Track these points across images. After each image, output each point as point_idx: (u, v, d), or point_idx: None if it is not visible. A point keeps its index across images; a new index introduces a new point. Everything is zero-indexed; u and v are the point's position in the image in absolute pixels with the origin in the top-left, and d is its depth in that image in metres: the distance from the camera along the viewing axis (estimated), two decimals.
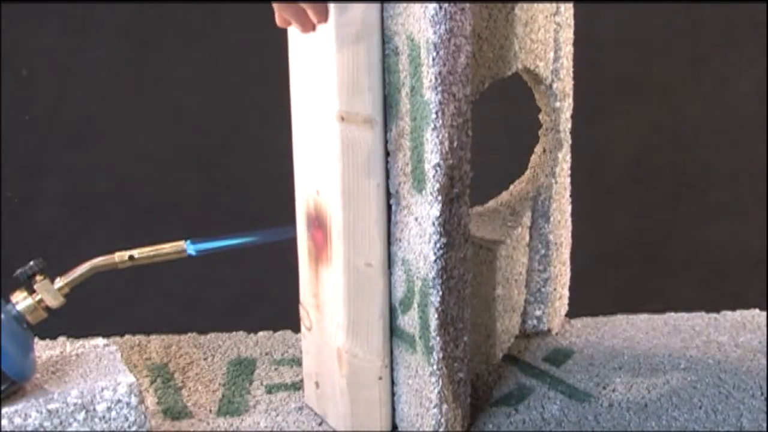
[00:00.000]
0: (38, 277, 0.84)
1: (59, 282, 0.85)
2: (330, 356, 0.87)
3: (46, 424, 0.81)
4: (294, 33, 0.86)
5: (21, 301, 0.84)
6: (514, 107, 1.21)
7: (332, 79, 0.81)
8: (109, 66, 1.46)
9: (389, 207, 0.86)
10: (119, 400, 0.83)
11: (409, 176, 0.83)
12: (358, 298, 0.85)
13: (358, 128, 0.82)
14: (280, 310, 1.03)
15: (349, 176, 0.83)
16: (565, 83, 1.01)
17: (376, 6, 0.81)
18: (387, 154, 0.85)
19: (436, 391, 0.84)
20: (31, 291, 0.84)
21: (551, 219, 1.03)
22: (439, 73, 0.79)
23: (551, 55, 0.99)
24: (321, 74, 0.83)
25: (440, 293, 0.82)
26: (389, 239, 0.86)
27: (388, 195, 0.85)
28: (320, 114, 0.84)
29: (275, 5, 0.81)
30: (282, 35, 0.88)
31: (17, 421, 0.81)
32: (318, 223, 0.86)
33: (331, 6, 0.80)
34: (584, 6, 1.05)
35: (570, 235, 1.07)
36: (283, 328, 1.09)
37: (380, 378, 0.87)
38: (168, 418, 0.92)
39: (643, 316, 1.12)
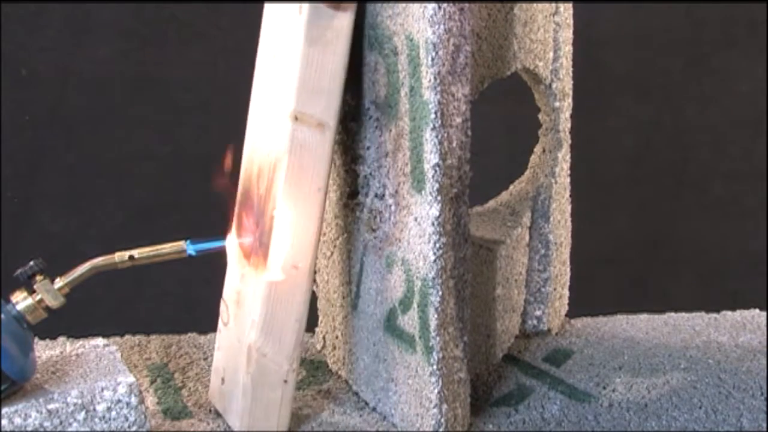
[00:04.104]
0: (38, 277, 0.84)
1: (59, 282, 0.85)
2: (240, 352, 0.87)
3: (46, 424, 0.81)
4: (266, 28, 0.87)
5: (21, 301, 0.84)
6: (514, 107, 1.21)
7: (294, 78, 0.82)
8: (109, 66, 1.46)
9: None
10: (119, 400, 0.83)
11: (409, 176, 0.83)
12: (277, 297, 0.85)
13: (309, 130, 0.83)
14: None
15: (292, 176, 0.83)
16: (565, 83, 1.01)
17: (350, 11, 0.82)
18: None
19: (436, 391, 0.84)
20: (31, 291, 0.84)
21: (551, 219, 1.03)
22: (438, 72, 0.79)
23: (550, 54, 0.99)
24: (284, 71, 0.84)
25: (440, 293, 0.82)
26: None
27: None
28: (276, 111, 0.84)
29: None
30: None
31: (17, 421, 0.81)
32: (255, 218, 0.86)
33: (306, 6, 0.80)
34: (584, 6, 1.05)
35: (570, 235, 1.07)
36: None
37: (285, 381, 0.86)
38: (168, 418, 0.92)
39: (643, 316, 1.12)
